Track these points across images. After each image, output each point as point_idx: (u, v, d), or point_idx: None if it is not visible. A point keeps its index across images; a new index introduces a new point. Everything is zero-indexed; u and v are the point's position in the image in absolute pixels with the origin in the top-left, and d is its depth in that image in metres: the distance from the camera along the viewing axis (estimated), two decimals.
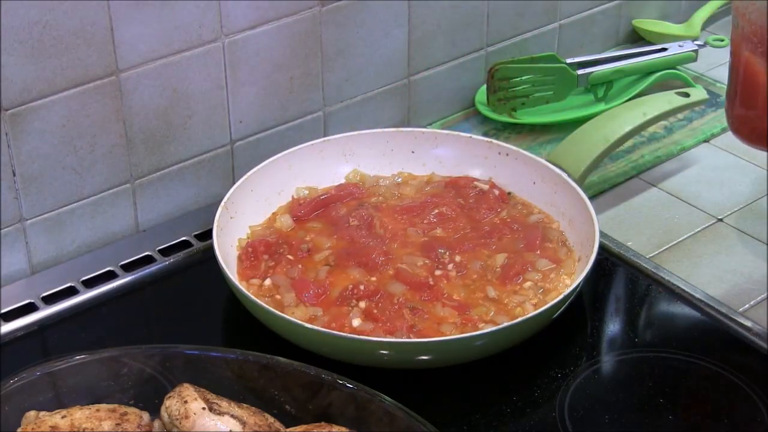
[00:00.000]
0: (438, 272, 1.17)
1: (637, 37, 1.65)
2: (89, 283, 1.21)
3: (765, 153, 1.41)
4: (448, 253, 1.19)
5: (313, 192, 1.29)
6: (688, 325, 1.16)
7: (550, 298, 1.12)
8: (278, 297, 1.15)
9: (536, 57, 1.47)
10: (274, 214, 1.27)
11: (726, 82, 1.57)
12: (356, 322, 1.10)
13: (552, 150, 1.33)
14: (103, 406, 0.94)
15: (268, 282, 1.16)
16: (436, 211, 1.25)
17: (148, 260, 1.24)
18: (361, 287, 1.14)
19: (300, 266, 1.18)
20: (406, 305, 1.12)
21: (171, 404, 0.93)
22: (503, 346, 1.09)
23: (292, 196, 1.28)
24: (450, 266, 1.18)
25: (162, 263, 1.24)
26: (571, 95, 1.49)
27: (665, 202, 1.35)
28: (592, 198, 1.26)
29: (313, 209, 1.26)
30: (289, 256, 1.19)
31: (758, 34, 1.06)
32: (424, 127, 1.46)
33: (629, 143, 1.41)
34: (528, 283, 1.16)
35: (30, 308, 1.17)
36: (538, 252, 1.20)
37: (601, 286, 1.21)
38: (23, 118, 1.15)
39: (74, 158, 1.20)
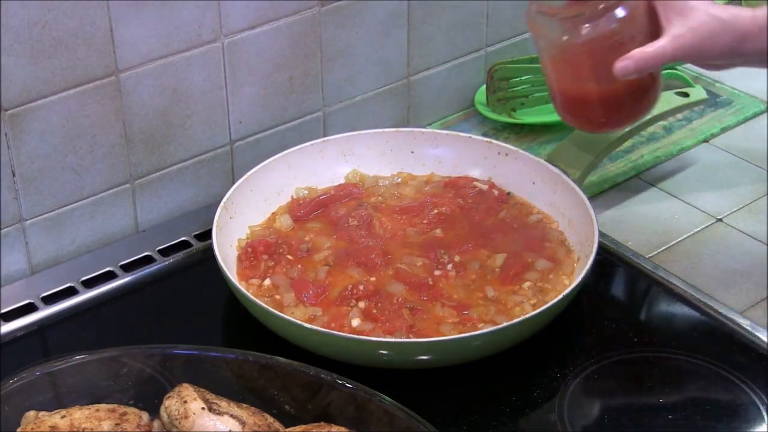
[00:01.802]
0: (437, 272, 1.17)
1: None
2: (89, 283, 1.21)
3: (764, 153, 1.41)
4: (447, 254, 1.19)
5: (312, 192, 1.29)
6: (687, 325, 1.16)
7: (549, 299, 1.12)
8: (278, 297, 1.15)
9: (536, 57, 1.47)
10: (273, 214, 1.27)
11: (725, 82, 1.58)
12: (356, 322, 1.10)
13: (551, 150, 1.33)
14: (103, 406, 0.94)
15: (267, 282, 1.16)
16: (436, 211, 1.25)
17: (147, 260, 1.24)
18: (361, 287, 1.14)
19: (299, 266, 1.18)
20: (405, 305, 1.12)
21: (170, 404, 0.93)
22: (503, 346, 1.09)
23: (292, 197, 1.28)
24: (449, 266, 1.18)
25: (162, 263, 1.24)
26: None
27: (665, 202, 1.35)
28: (591, 198, 1.26)
29: (312, 209, 1.26)
30: (289, 256, 1.19)
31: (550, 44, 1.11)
32: (424, 127, 1.46)
33: (629, 143, 1.41)
34: (527, 283, 1.16)
35: (30, 308, 1.17)
36: (538, 252, 1.20)
37: (601, 286, 1.21)
38: (23, 118, 1.15)
39: (74, 158, 1.20)
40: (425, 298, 1.14)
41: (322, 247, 1.21)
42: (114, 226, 1.27)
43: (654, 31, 1.07)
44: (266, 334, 1.11)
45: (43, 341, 1.15)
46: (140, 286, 1.22)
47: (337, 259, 1.19)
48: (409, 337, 1.08)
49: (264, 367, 1.00)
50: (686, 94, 1.35)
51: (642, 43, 1.06)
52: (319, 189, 1.30)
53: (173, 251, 1.26)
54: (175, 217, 1.31)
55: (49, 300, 1.19)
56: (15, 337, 1.14)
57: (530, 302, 1.13)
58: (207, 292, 1.20)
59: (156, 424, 0.94)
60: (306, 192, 1.29)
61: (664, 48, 1.05)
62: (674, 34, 1.05)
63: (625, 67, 1.05)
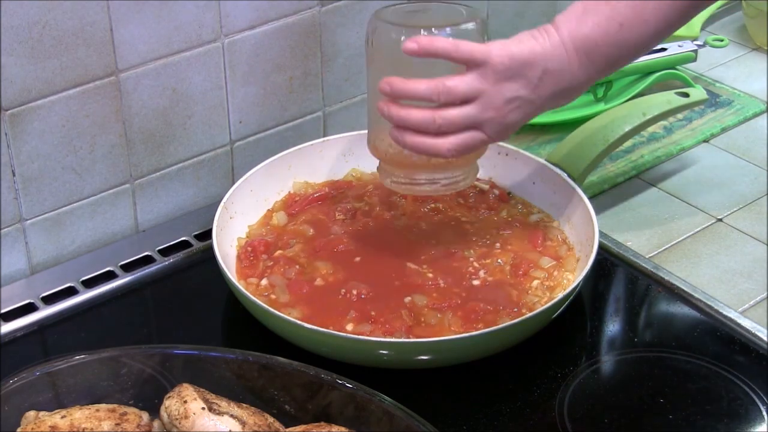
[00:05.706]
0: (437, 272, 1.17)
1: None
2: (89, 283, 1.21)
3: (764, 153, 1.41)
4: (447, 253, 1.19)
5: (310, 187, 1.29)
6: (687, 325, 1.16)
7: (554, 296, 1.12)
8: (273, 297, 1.14)
9: None
10: (269, 211, 1.26)
11: (725, 82, 1.57)
12: (354, 323, 1.10)
13: (552, 150, 1.32)
14: (103, 406, 0.94)
15: (264, 282, 1.16)
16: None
17: (147, 260, 1.24)
18: (360, 287, 1.13)
19: (297, 266, 1.18)
20: (405, 305, 1.12)
21: (170, 404, 0.93)
22: (503, 346, 1.09)
23: (290, 192, 1.28)
24: (448, 266, 1.18)
25: (162, 263, 1.24)
26: None
27: (665, 202, 1.35)
28: (591, 198, 1.26)
29: (307, 206, 1.26)
30: (284, 253, 1.19)
31: None
32: None
33: (629, 143, 1.41)
34: (535, 282, 1.16)
35: (30, 308, 1.17)
36: (539, 251, 1.20)
37: (601, 286, 1.21)
38: (23, 118, 1.15)
39: (74, 158, 1.20)
40: (425, 298, 1.14)
41: (318, 247, 1.21)
42: (114, 226, 1.27)
43: None
44: (266, 334, 1.11)
45: (43, 341, 1.15)
46: (140, 286, 1.22)
47: (335, 259, 1.18)
48: (409, 338, 1.08)
49: (264, 367, 1.00)
50: (686, 94, 1.34)
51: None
52: (317, 185, 1.29)
53: (173, 251, 1.26)
54: (175, 217, 1.31)
55: (49, 300, 1.19)
56: (15, 337, 1.14)
57: (533, 301, 1.13)
58: (207, 292, 1.20)
59: (156, 424, 0.94)
60: (304, 188, 1.28)
61: None
62: None
63: None
